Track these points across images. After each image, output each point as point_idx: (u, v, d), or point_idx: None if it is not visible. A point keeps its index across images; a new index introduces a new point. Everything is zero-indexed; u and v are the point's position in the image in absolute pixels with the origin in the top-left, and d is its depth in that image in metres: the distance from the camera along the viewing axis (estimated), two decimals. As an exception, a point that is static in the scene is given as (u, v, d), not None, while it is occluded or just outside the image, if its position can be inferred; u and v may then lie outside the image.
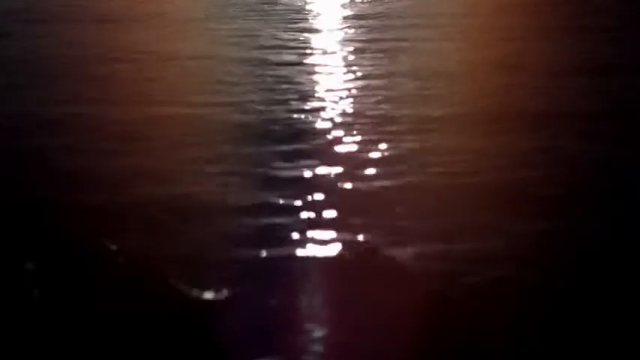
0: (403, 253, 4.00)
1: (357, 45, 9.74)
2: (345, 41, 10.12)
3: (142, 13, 12.75)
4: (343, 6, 13.29)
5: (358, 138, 6.01)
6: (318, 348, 3.19)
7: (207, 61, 8.90)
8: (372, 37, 10.24)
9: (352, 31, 10.88)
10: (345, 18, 12.03)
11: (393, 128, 6.18)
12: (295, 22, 11.59)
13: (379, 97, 7.17)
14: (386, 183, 5.15)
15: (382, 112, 6.70)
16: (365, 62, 8.73)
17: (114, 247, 4.03)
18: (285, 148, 5.78)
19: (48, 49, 9.81)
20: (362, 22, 11.47)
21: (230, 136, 6.05)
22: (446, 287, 3.64)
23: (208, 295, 3.56)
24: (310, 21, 11.89)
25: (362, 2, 13.60)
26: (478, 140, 5.83)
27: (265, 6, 13.23)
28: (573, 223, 4.39)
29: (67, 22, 11.94)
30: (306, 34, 10.55)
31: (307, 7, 13.29)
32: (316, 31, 10.95)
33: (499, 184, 5.00)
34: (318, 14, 12.55)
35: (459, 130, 6.09)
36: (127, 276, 3.75)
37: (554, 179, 5.05)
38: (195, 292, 3.57)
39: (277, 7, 13.16)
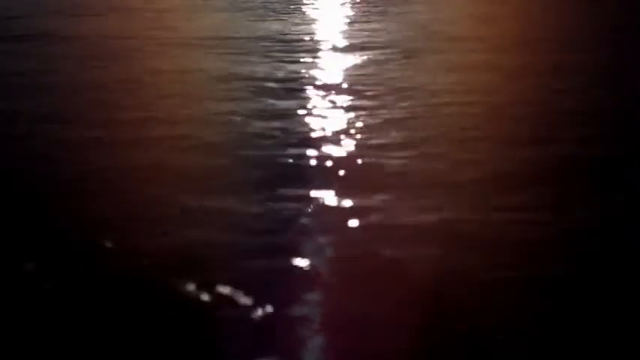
0: (402, 253, 3.98)
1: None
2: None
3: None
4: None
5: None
6: (318, 348, 3.17)
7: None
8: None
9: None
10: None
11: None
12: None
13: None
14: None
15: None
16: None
17: (113, 246, 4.02)
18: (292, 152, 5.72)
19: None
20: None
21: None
22: (445, 285, 3.63)
23: (208, 295, 3.55)
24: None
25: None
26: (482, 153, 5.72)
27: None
28: (575, 216, 4.37)
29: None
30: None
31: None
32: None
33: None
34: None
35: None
36: (126, 276, 3.74)
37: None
38: (195, 292, 3.56)
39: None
